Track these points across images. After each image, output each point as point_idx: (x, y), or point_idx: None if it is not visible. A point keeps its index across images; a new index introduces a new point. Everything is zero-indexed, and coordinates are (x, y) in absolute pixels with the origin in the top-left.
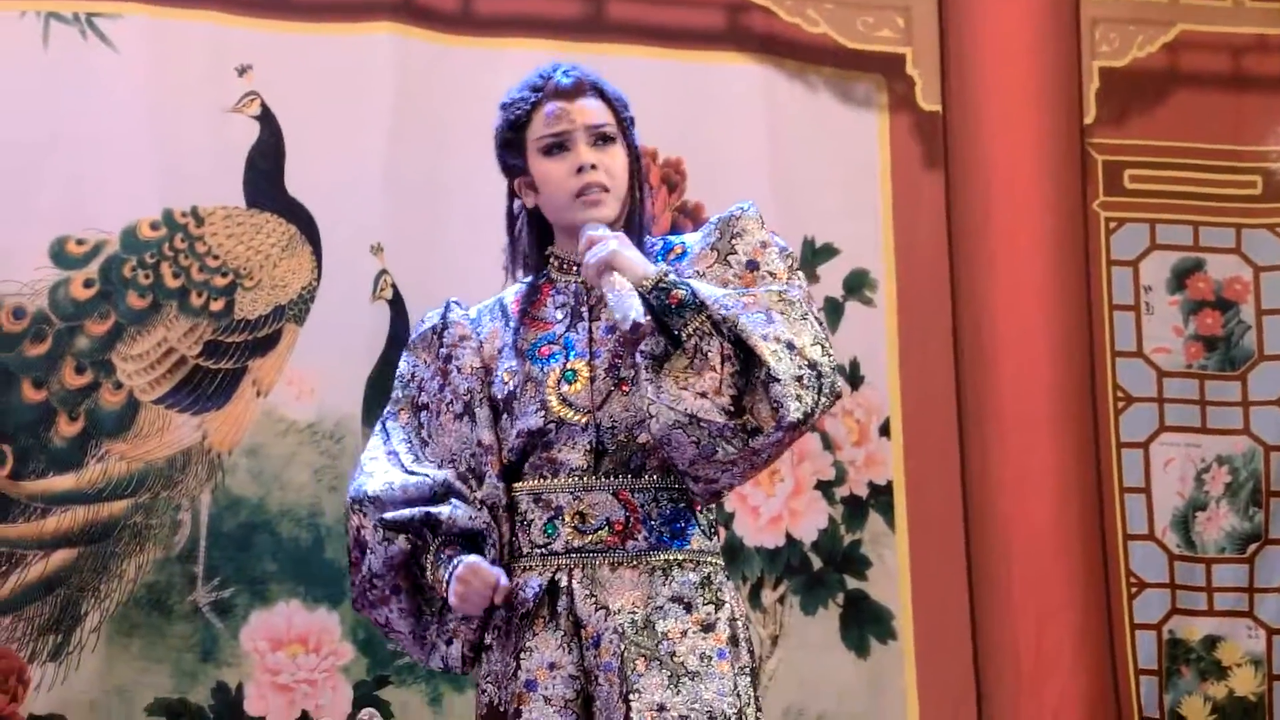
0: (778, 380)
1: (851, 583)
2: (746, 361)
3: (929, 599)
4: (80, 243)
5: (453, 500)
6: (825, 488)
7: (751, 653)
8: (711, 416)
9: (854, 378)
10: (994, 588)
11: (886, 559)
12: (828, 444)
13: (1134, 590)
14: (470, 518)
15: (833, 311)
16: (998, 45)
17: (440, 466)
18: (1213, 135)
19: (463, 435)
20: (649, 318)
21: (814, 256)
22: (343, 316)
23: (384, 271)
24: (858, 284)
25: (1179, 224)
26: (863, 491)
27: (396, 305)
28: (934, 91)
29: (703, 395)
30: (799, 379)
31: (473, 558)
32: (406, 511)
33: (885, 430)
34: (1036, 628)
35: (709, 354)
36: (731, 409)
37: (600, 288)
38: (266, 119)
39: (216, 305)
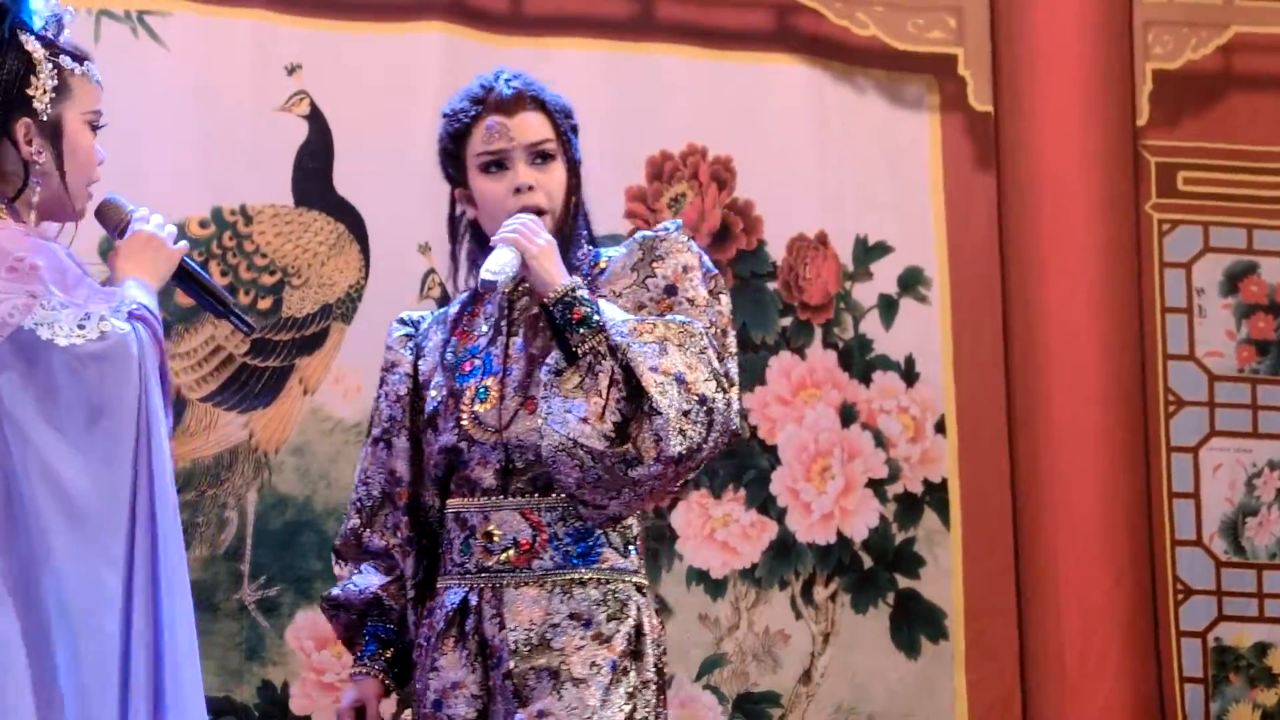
0: (659, 414)
1: (903, 581)
2: (636, 389)
3: (979, 599)
4: None
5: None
6: (877, 486)
7: (659, 670)
8: (591, 443)
9: (909, 374)
10: (1041, 590)
11: (940, 558)
12: (880, 441)
13: (1180, 597)
14: (360, 595)
15: (887, 308)
16: (1050, 46)
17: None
18: (1267, 137)
19: (379, 460)
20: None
21: (866, 254)
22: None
23: (431, 271)
24: (912, 281)
25: (1233, 227)
26: (917, 489)
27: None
28: (986, 92)
29: (584, 420)
30: (685, 414)
31: (350, 694)
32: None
33: (941, 427)
34: (1083, 631)
35: (599, 375)
36: (613, 435)
37: (492, 243)
38: (315, 118)
39: (264, 303)
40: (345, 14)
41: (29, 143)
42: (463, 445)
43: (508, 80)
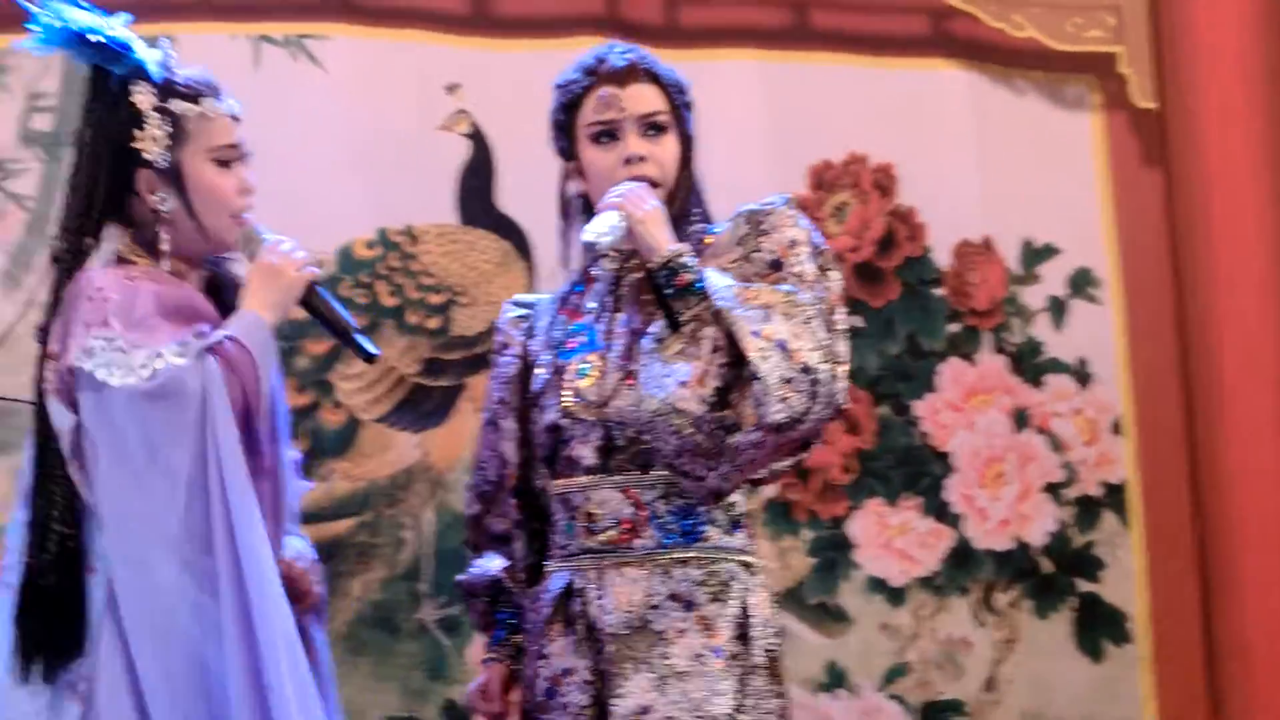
0: (759, 378)
1: (1084, 585)
2: (739, 357)
3: (1163, 601)
4: None
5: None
6: (1054, 490)
7: (770, 653)
8: (689, 406)
9: (1082, 376)
10: (1226, 589)
11: (1121, 560)
12: (1056, 445)
13: None
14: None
15: (1057, 310)
16: (1213, 40)
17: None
18: None
19: (490, 442)
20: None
21: (1034, 257)
22: None
23: None
24: (1082, 282)
25: None
26: (1095, 491)
27: None
28: (1149, 89)
29: (684, 384)
30: (787, 381)
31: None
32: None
33: (1118, 428)
34: (1270, 630)
35: (701, 341)
36: (713, 400)
37: (598, 209)
38: (476, 136)
39: (433, 323)
40: (503, 32)
41: (152, 192)
42: (564, 422)
43: (621, 52)
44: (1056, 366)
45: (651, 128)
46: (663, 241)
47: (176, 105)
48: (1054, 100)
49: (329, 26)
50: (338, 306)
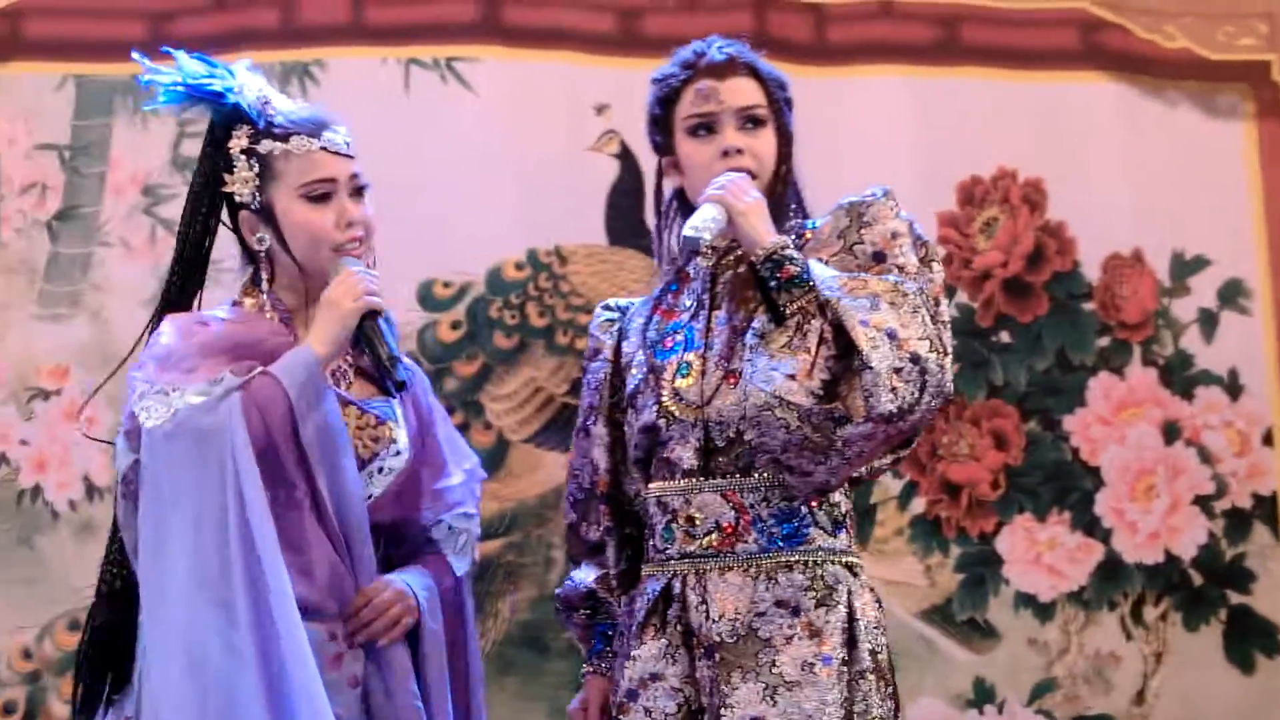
0: (870, 368)
1: (1234, 597)
2: (847, 347)
3: None
4: (447, 285)
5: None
6: (1203, 502)
7: (875, 655)
8: (798, 399)
9: (1233, 387)
10: None
11: (1272, 571)
12: (1205, 457)
13: None
14: (576, 591)
15: (1207, 322)
16: None
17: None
18: None
19: (581, 449)
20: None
21: (1184, 269)
22: None
23: None
24: (1232, 294)
25: None
26: (1246, 503)
27: None
28: None
29: (791, 377)
30: (897, 371)
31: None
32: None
33: (1269, 440)
34: None
35: (808, 333)
36: (821, 393)
37: (699, 202)
38: (625, 156)
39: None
40: (652, 51)
41: (252, 232)
42: (661, 423)
43: (720, 47)
44: (1207, 379)
45: (750, 121)
46: (765, 233)
47: (264, 145)
48: (1205, 110)
49: (478, 49)
50: (389, 336)
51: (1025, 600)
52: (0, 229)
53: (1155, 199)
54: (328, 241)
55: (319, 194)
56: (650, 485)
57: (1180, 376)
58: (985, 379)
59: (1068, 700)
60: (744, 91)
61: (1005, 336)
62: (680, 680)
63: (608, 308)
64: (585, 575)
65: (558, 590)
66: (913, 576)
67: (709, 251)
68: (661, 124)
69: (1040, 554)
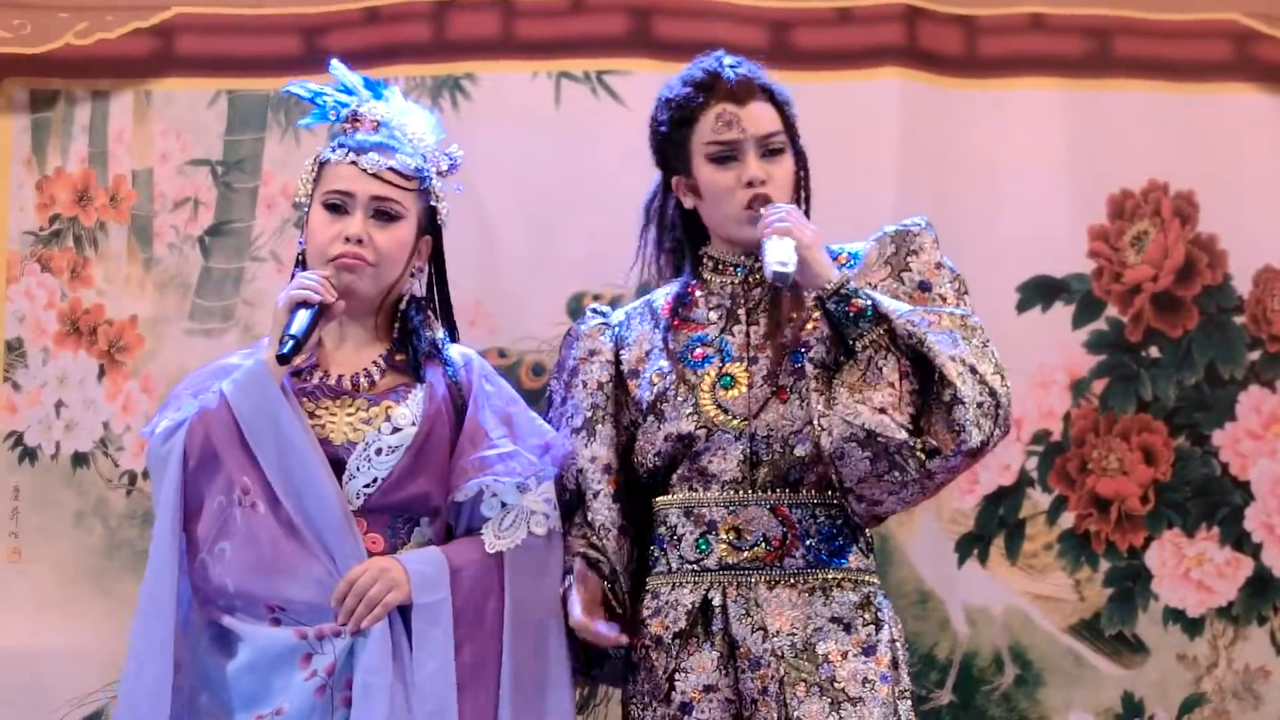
0: (962, 403)
1: None
2: (925, 380)
3: None
4: (597, 298)
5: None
6: None
7: (910, 676)
8: (890, 433)
9: None
10: None
11: None
12: None
13: None
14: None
15: None
16: None
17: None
18: None
19: (576, 449)
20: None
21: None
22: None
23: None
24: None
25: None
26: None
27: None
28: None
29: (881, 411)
30: (980, 405)
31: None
32: None
33: None
34: None
35: (883, 368)
36: (910, 428)
37: (762, 237)
38: None
39: None
40: (803, 64)
41: (300, 233)
42: (700, 432)
43: (732, 66)
44: None
45: (770, 150)
46: (828, 266)
47: (324, 154)
48: None
49: (629, 62)
50: (300, 321)
51: (1174, 615)
52: (153, 244)
53: None
54: (325, 252)
55: (333, 204)
56: (671, 495)
57: None
58: (1135, 394)
59: (1216, 715)
60: (764, 119)
61: (1154, 351)
62: (731, 692)
63: (596, 312)
64: (575, 545)
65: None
66: (1061, 591)
67: (729, 269)
68: (675, 145)
69: (1189, 569)
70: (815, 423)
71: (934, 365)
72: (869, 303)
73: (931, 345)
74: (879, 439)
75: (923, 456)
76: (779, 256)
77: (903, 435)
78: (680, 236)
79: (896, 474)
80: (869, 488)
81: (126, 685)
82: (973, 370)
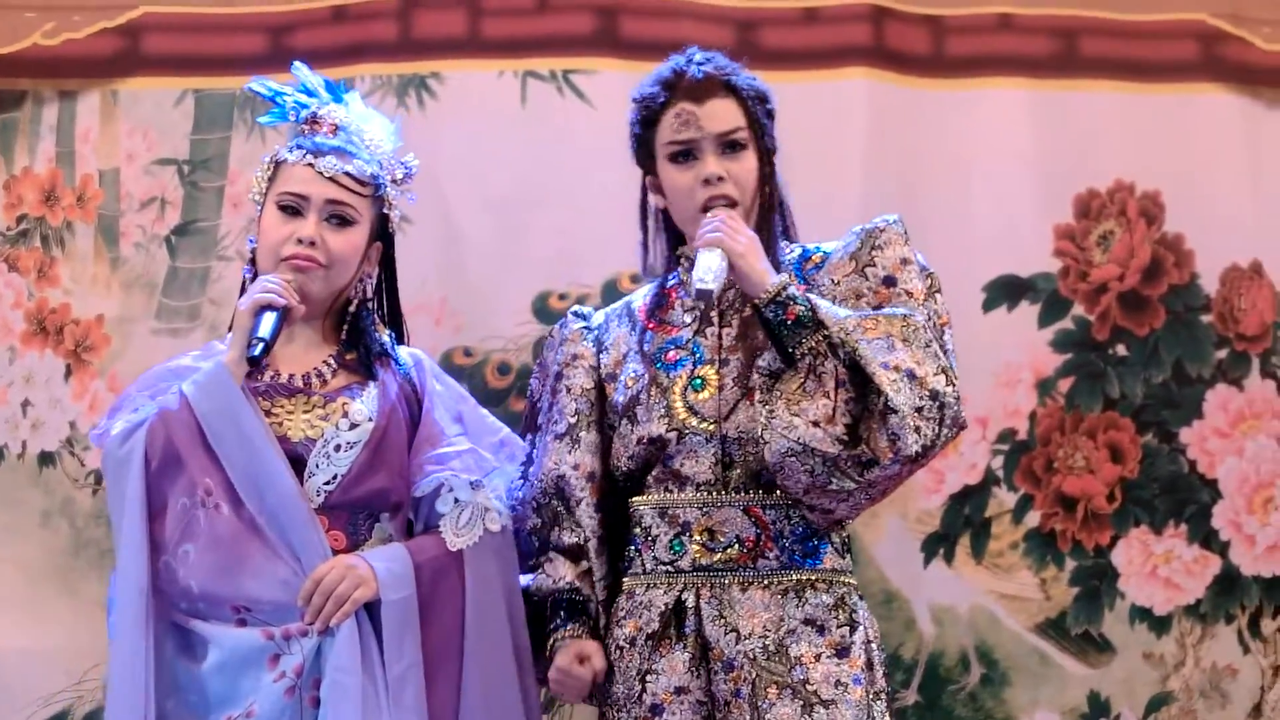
0: (895, 411)
1: None
2: (863, 388)
3: None
4: (563, 297)
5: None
6: None
7: (886, 676)
8: (825, 447)
9: None
10: None
11: None
12: None
13: None
14: (554, 586)
15: None
16: None
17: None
18: None
19: (559, 456)
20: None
21: None
22: None
23: None
24: None
25: None
26: None
27: None
28: None
29: (815, 424)
30: (919, 410)
31: (570, 653)
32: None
33: None
34: None
35: (823, 376)
36: (846, 438)
37: (695, 247)
38: None
39: None
40: (770, 64)
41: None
42: (672, 435)
43: (699, 63)
44: None
45: (729, 146)
46: (765, 273)
47: (281, 152)
48: None
49: (595, 61)
50: (268, 324)
51: (1141, 614)
52: (120, 244)
53: (1274, 210)
54: (277, 252)
55: (288, 205)
56: (646, 496)
57: None
58: (1101, 392)
59: (1184, 714)
60: (723, 116)
61: (1121, 349)
62: (703, 693)
63: (577, 315)
64: (561, 571)
65: (530, 584)
66: (1027, 590)
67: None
68: (644, 145)
69: (1156, 567)
70: (760, 435)
71: (867, 375)
72: (807, 308)
73: (864, 353)
74: (815, 453)
75: (860, 467)
76: (700, 273)
77: (837, 449)
78: (665, 239)
79: (837, 484)
80: (816, 497)
81: (110, 707)
82: (910, 375)
